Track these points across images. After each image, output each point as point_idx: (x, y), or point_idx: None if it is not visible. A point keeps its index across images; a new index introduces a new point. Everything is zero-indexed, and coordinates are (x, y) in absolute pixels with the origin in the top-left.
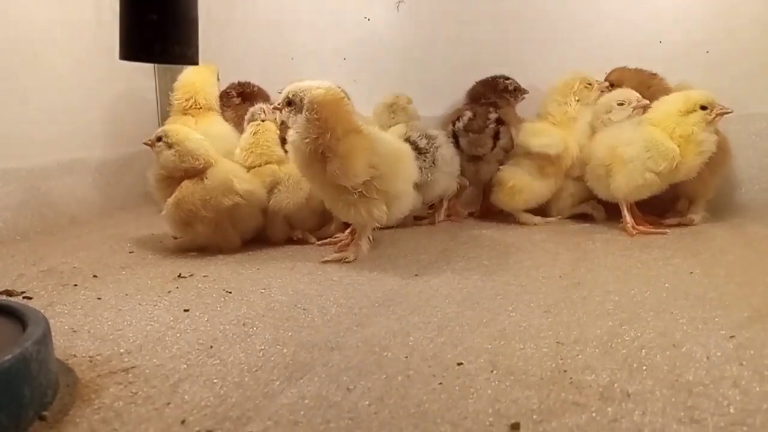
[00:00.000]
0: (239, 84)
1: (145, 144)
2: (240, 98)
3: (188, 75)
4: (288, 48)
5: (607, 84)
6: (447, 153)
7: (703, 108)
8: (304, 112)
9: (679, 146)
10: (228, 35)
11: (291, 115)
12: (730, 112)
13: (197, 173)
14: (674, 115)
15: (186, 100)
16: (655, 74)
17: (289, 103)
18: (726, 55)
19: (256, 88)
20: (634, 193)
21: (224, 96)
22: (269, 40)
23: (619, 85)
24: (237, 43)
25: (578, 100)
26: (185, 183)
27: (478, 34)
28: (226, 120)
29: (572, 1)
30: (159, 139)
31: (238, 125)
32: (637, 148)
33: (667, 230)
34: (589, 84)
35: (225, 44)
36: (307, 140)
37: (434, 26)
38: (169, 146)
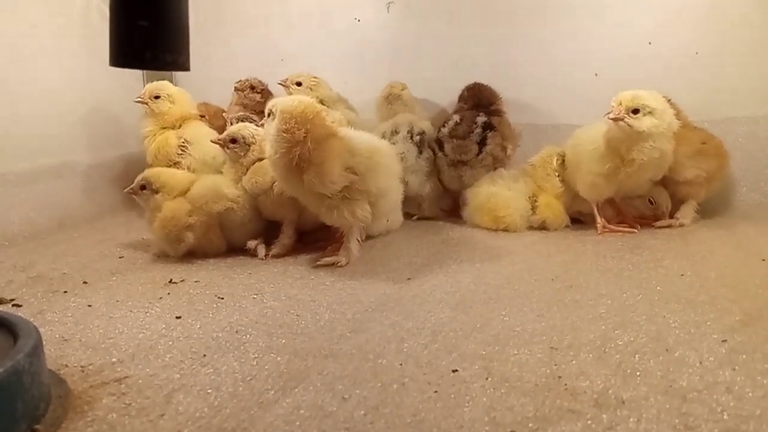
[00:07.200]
0: (260, 82)
1: (129, 192)
2: (261, 96)
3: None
4: (278, 50)
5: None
6: (399, 149)
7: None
8: (275, 124)
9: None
10: (217, 38)
11: (268, 126)
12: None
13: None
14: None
15: None
16: None
17: (269, 115)
18: (715, 57)
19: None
20: (591, 194)
21: (246, 88)
22: (259, 42)
23: None
24: (227, 46)
25: (558, 175)
26: (166, 204)
27: (468, 33)
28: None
29: (561, 0)
30: (143, 187)
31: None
32: (587, 150)
33: (635, 229)
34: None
35: (215, 47)
36: (278, 155)
37: (424, 27)
38: (156, 191)
